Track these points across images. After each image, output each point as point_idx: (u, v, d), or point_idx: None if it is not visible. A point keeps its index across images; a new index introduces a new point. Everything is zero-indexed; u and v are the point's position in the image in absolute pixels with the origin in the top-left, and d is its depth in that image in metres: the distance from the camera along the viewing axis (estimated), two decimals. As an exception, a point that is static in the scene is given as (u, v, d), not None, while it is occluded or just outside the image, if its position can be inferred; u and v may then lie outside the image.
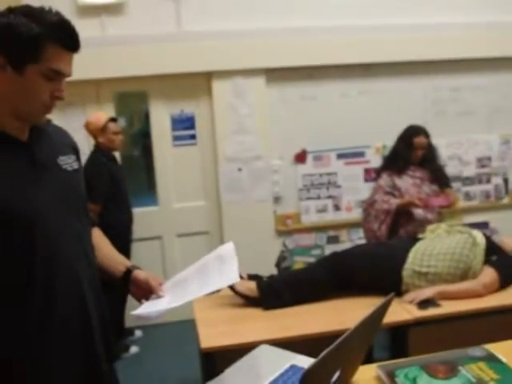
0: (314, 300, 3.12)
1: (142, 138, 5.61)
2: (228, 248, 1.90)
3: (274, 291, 3.13)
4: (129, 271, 1.83)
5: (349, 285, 3.18)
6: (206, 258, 1.89)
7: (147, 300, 1.78)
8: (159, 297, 1.76)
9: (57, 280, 1.54)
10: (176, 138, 5.17)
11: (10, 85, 1.46)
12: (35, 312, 1.50)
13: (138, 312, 1.69)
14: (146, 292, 1.79)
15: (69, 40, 1.48)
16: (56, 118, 4.74)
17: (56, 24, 1.45)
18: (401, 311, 2.92)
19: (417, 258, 3.18)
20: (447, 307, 2.96)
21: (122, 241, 4.40)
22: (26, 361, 1.50)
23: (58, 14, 1.48)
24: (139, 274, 1.82)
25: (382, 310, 1.52)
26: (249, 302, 3.13)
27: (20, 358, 1.49)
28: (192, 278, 1.82)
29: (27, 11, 1.45)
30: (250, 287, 3.14)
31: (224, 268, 1.79)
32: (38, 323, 1.51)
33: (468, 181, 5.58)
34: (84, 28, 4.48)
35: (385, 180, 4.16)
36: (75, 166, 1.70)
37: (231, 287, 3.15)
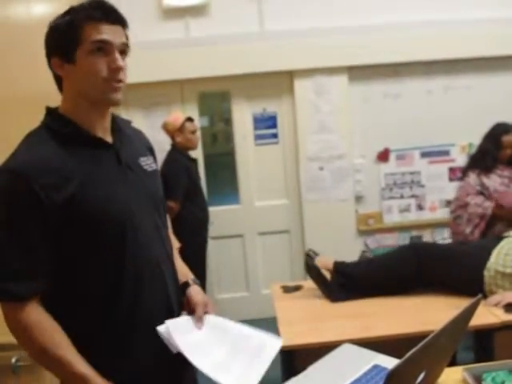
0: (390, 291, 3.11)
1: (224, 137, 5.68)
2: (274, 345, 1.78)
3: (349, 271, 3.19)
4: (186, 284, 1.80)
5: (427, 278, 3.12)
6: (251, 335, 1.76)
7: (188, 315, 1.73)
8: (198, 327, 1.69)
9: (144, 277, 1.59)
10: (258, 137, 5.21)
11: (72, 77, 1.53)
12: (124, 311, 1.55)
13: (163, 327, 1.59)
14: (191, 310, 1.73)
15: (100, 11, 1.50)
16: (141, 117, 4.91)
17: (84, 5, 1.51)
18: (486, 314, 2.82)
19: (500, 257, 3.07)
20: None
21: (198, 238, 4.47)
22: (115, 359, 1.55)
23: None
24: (193, 291, 1.78)
25: (468, 312, 1.48)
26: (321, 286, 3.20)
27: (111, 358, 1.54)
28: (226, 341, 1.69)
29: (65, 11, 1.53)
30: (327, 264, 3.21)
31: (254, 363, 1.67)
32: (127, 322, 1.55)
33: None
34: (169, 30, 4.66)
35: (473, 179, 4.04)
36: (154, 166, 1.76)
37: (308, 263, 3.24)
